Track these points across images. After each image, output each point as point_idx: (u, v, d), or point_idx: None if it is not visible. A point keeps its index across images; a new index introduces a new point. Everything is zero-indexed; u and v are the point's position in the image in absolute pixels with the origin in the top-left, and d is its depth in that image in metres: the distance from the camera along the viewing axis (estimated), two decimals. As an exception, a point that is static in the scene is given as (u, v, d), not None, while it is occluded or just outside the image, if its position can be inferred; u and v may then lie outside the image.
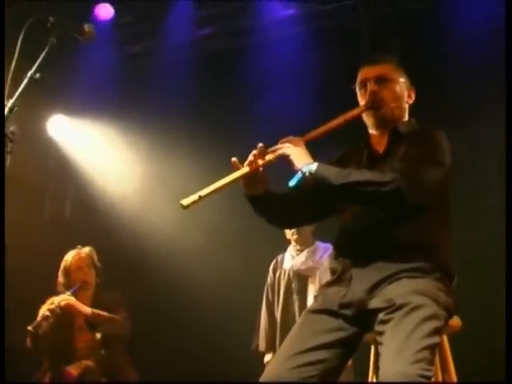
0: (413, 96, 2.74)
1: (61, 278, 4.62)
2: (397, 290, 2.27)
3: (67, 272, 4.60)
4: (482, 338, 4.50)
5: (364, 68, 2.70)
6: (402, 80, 2.69)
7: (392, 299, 2.24)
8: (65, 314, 4.43)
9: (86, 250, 4.71)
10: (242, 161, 2.48)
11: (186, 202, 2.32)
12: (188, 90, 6.16)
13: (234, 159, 2.47)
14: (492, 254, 4.40)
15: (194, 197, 2.33)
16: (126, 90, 6.26)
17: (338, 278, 2.48)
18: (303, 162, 2.38)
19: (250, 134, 5.75)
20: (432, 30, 5.46)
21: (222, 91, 6.20)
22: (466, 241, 4.31)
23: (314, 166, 2.36)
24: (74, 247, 4.76)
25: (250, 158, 2.45)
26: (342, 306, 2.38)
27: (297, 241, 4.73)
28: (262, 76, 5.89)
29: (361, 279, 2.38)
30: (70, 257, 4.66)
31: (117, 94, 6.32)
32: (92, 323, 4.44)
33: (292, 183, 2.41)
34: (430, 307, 2.22)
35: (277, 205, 2.64)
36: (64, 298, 4.41)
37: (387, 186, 2.30)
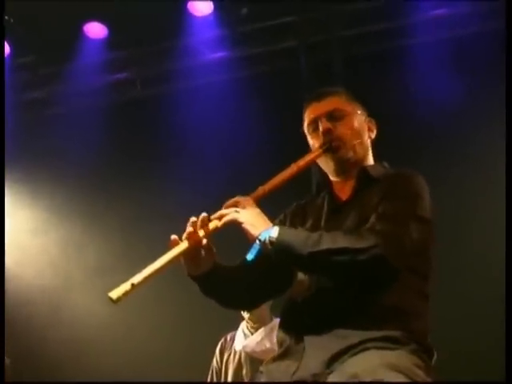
0: (374, 129, 2.59)
1: None
2: (363, 364, 2.06)
3: None
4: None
5: (311, 105, 2.54)
6: (358, 112, 2.54)
7: (357, 375, 2.01)
8: None
9: None
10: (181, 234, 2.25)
11: (115, 294, 2.08)
12: (98, 143, 6.08)
13: (173, 236, 2.24)
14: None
15: (126, 286, 2.10)
16: (22, 141, 6.08)
17: (288, 350, 2.27)
18: (260, 229, 2.19)
19: (173, 195, 5.67)
20: (382, 77, 5.53)
21: (138, 145, 6.14)
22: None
23: (274, 232, 2.16)
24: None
25: (189, 229, 2.23)
26: (293, 384, 2.13)
27: (251, 318, 4.49)
28: (185, 128, 5.89)
29: (316, 350, 2.16)
30: None
31: (11, 147, 6.05)
32: None
33: (250, 256, 2.20)
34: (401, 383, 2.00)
35: (229, 282, 2.45)
36: None
37: (366, 253, 2.12)
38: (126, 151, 6.12)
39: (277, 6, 5.74)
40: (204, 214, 2.24)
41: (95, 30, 5.79)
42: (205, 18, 5.77)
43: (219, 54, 5.98)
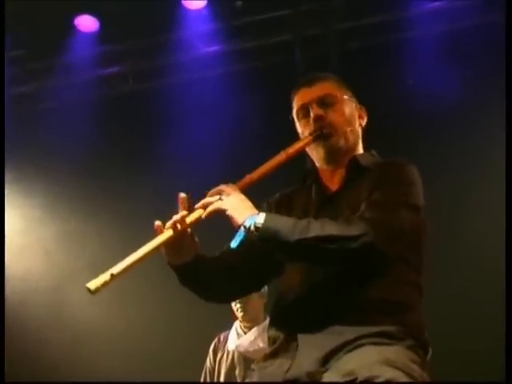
0: (365, 117, 2.52)
1: None
2: (359, 360, 2.01)
3: None
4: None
5: (300, 91, 2.46)
6: (349, 98, 2.47)
7: (353, 372, 1.95)
8: None
9: None
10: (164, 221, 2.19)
11: (93, 284, 1.98)
12: (90, 138, 6.01)
13: (157, 223, 2.18)
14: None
15: (105, 276, 2.01)
16: (13, 137, 5.94)
17: (280, 348, 2.20)
18: (245, 215, 2.12)
19: (167, 190, 5.60)
20: (379, 70, 5.51)
21: (131, 140, 6.08)
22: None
23: (260, 218, 2.09)
24: None
25: (175, 218, 2.17)
26: (287, 383, 2.07)
27: (244, 318, 4.46)
28: (178, 122, 5.85)
29: (310, 347, 2.10)
30: None
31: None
32: None
33: (234, 244, 2.15)
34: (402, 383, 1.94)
35: (210, 273, 2.37)
36: None
37: (356, 241, 2.07)
38: (118, 146, 6.05)
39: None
40: (183, 195, 2.22)
41: (86, 23, 5.72)
42: (198, 11, 5.70)
43: (213, 48, 5.92)
